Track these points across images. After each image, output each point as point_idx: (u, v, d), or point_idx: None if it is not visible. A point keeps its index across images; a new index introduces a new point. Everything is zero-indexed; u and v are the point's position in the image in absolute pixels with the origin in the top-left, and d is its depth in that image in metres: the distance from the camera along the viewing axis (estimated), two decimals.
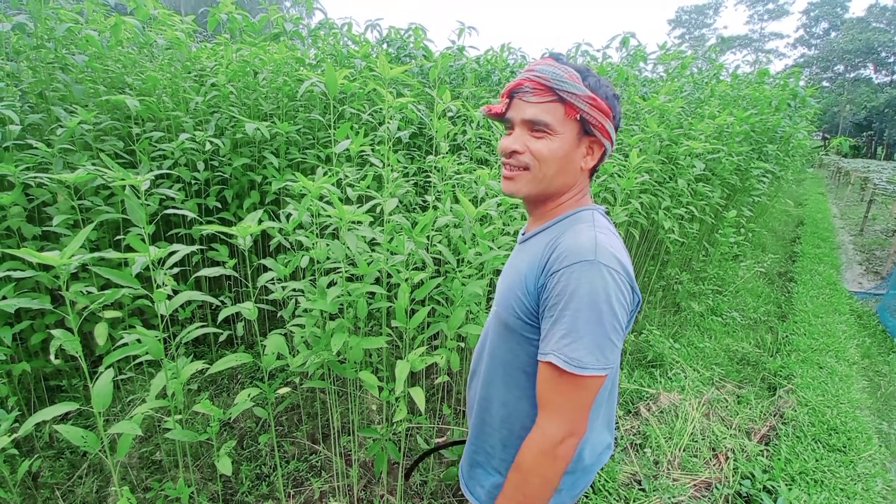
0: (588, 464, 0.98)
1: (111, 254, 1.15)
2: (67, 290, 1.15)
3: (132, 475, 2.07)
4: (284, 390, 2.04)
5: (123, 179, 1.18)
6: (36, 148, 2.10)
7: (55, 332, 1.12)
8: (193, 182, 2.68)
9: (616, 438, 2.50)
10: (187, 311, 2.49)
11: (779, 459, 2.35)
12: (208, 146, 2.47)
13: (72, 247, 1.03)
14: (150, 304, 2.18)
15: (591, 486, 2.16)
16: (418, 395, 1.49)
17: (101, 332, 1.63)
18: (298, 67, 3.10)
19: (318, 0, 3.89)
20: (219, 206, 2.75)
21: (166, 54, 3.00)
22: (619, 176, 2.80)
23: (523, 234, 0.99)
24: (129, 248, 2.28)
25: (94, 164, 2.19)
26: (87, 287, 1.78)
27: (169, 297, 1.42)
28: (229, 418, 2.23)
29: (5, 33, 2.32)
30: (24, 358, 2.18)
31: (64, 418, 2.34)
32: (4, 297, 1.76)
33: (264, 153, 2.71)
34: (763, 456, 2.44)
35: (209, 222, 2.61)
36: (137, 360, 1.59)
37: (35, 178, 1.99)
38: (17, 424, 1.81)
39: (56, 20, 2.50)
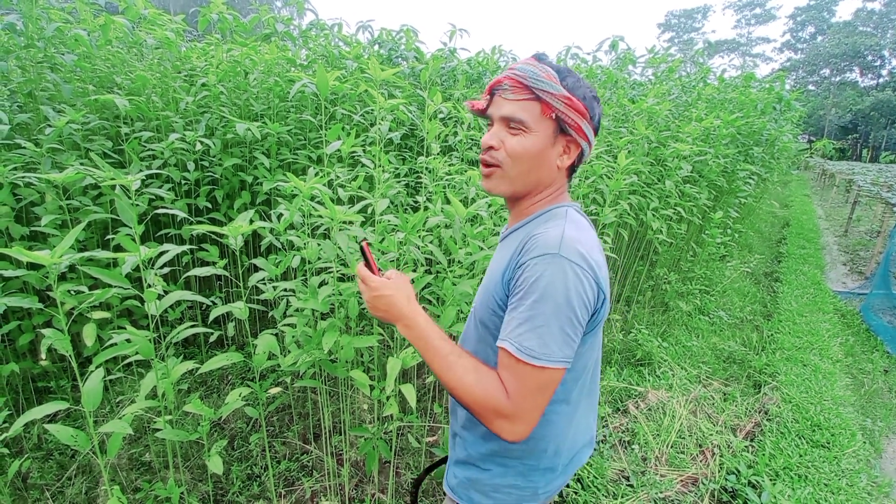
0: (564, 462, 0.98)
1: (101, 253, 1.15)
2: (56, 289, 1.15)
3: (121, 476, 2.06)
4: (275, 390, 2.04)
5: (114, 179, 1.18)
6: (24, 147, 2.09)
7: (45, 331, 1.12)
8: (183, 182, 2.67)
9: (604, 436, 2.53)
10: (177, 312, 2.49)
11: (763, 455, 2.40)
12: (199, 146, 2.47)
13: (62, 246, 1.03)
14: (139, 305, 2.18)
15: (580, 482, 2.18)
16: (409, 392, 1.50)
17: (89, 333, 1.62)
18: (289, 68, 3.10)
19: (309, 0, 3.89)
20: (209, 206, 2.74)
21: (156, 54, 2.99)
22: (608, 177, 2.84)
23: (503, 232, 1.01)
24: (118, 248, 2.27)
25: (82, 164, 2.18)
26: (76, 287, 1.78)
27: (159, 297, 1.42)
28: (220, 418, 2.22)
29: None
30: (11, 359, 2.16)
31: (52, 419, 2.32)
32: None
33: (255, 153, 2.71)
34: (748, 452, 2.49)
35: (199, 222, 2.61)
36: (126, 361, 1.58)
37: (23, 177, 1.98)
38: (6, 425, 1.80)
39: (46, 20, 2.48)
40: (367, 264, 0.94)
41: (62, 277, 2.15)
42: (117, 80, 2.73)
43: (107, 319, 2.27)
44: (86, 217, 2.10)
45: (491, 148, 0.89)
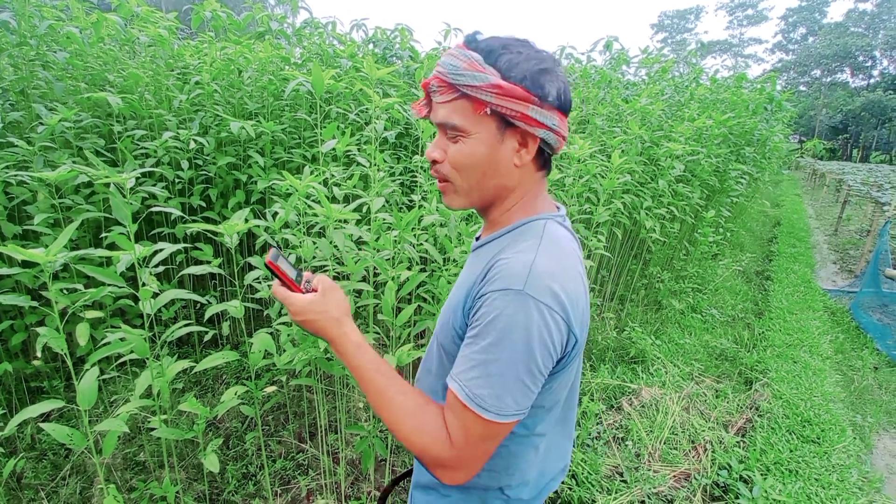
0: (532, 494, 0.89)
1: (97, 251, 1.15)
2: (50, 288, 1.15)
3: (116, 476, 2.05)
4: (271, 389, 2.05)
5: (108, 177, 1.18)
6: (16, 146, 2.07)
7: (40, 330, 1.12)
8: (177, 181, 2.66)
9: (598, 433, 2.55)
10: (171, 311, 2.48)
11: (754, 450, 2.43)
12: (192, 145, 2.46)
13: (57, 244, 1.03)
14: (133, 305, 2.17)
15: (574, 479, 2.20)
16: None
17: (82, 333, 1.61)
18: (284, 66, 3.10)
19: None
20: (203, 204, 2.73)
21: (149, 51, 2.97)
22: (602, 176, 2.86)
23: (477, 240, 0.87)
24: (110, 247, 2.26)
25: (74, 162, 2.17)
26: (69, 286, 1.77)
27: (154, 296, 1.42)
28: (215, 417, 2.22)
29: None
30: (4, 359, 2.15)
31: (45, 419, 2.31)
32: None
33: (249, 152, 2.70)
34: (739, 447, 2.52)
35: (193, 221, 2.60)
36: (120, 361, 1.58)
37: (15, 176, 1.97)
38: (1, 424, 1.79)
39: (39, 17, 2.46)
40: (284, 281, 0.79)
41: (55, 276, 2.13)
42: (110, 77, 2.71)
43: (100, 319, 2.26)
44: (78, 216, 2.09)
45: (435, 162, 0.77)
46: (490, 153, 0.73)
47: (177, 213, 1.50)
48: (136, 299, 2.31)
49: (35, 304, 1.15)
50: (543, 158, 0.78)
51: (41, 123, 2.21)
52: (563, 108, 0.74)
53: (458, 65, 0.70)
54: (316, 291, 0.81)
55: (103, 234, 1.97)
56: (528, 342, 0.66)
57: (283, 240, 1.91)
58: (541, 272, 0.67)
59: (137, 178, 2.51)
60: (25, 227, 2.10)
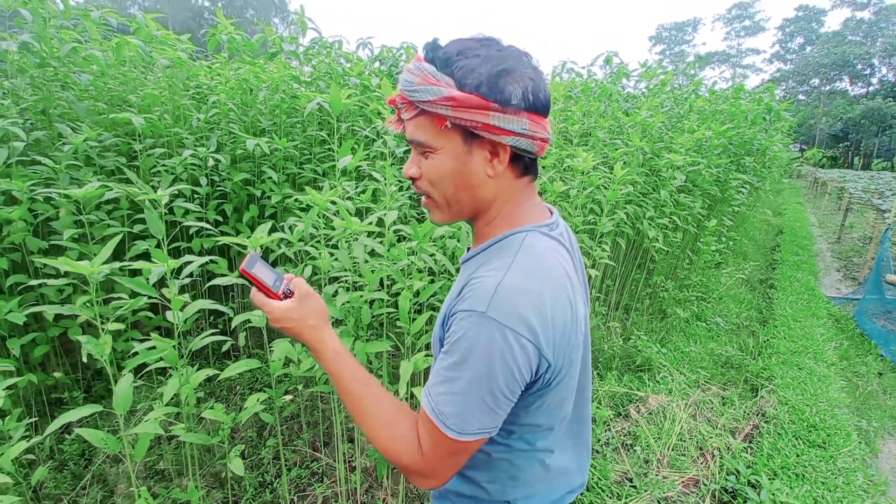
0: None
1: (134, 264, 1.22)
2: (95, 298, 1.22)
3: (138, 483, 2.10)
4: (287, 397, 2.10)
5: (145, 194, 1.26)
6: (40, 164, 2.16)
7: (82, 338, 1.19)
8: (195, 196, 2.75)
9: (607, 440, 2.59)
10: (189, 323, 2.54)
11: (761, 455, 2.46)
12: (210, 162, 2.55)
13: (100, 257, 1.10)
14: (151, 316, 2.24)
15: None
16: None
17: (105, 344, 1.68)
18: (294, 85, 3.20)
19: (311, 19, 4.01)
20: (219, 219, 2.81)
21: (166, 73, 3.09)
22: (605, 188, 2.94)
23: (468, 250, 0.85)
24: (133, 260, 2.34)
25: (99, 180, 2.26)
26: (97, 298, 1.84)
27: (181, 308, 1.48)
28: (239, 423, 2.27)
29: (7, 52, 2.40)
30: (25, 371, 2.21)
31: (66, 429, 2.36)
32: (11, 310, 1.82)
33: (263, 168, 2.79)
34: (747, 453, 2.55)
35: (209, 235, 2.68)
36: (146, 370, 1.64)
37: (43, 193, 2.05)
38: (28, 433, 1.85)
39: (58, 39, 2.57)
40: (261, 288, 0.80)
41: (78, 289, 2.20)
42: (131, 98, 2.82)
43: (119, 331, 2.33)
44: (102, 231, 2.18)
45: (412, 178, 0.77)
46: (459, 167, 0.72)
47: (203, 226, 1.57)
48: (154, 311, 2.38)
49: (78, 312, 1.22)
50: (523, 164, 0.75)
51: (64, 142, 2.31)
52: (535, 108, 0.70)
53: (413, 80, 0.68)
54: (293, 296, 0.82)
55: (124, 249, 2.05)
56: (490, 365, 0.65)
57: (299, 251, 1.98)
58: (509, 293, 0.66)
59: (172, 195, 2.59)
60: (51, 243, 2.18)
